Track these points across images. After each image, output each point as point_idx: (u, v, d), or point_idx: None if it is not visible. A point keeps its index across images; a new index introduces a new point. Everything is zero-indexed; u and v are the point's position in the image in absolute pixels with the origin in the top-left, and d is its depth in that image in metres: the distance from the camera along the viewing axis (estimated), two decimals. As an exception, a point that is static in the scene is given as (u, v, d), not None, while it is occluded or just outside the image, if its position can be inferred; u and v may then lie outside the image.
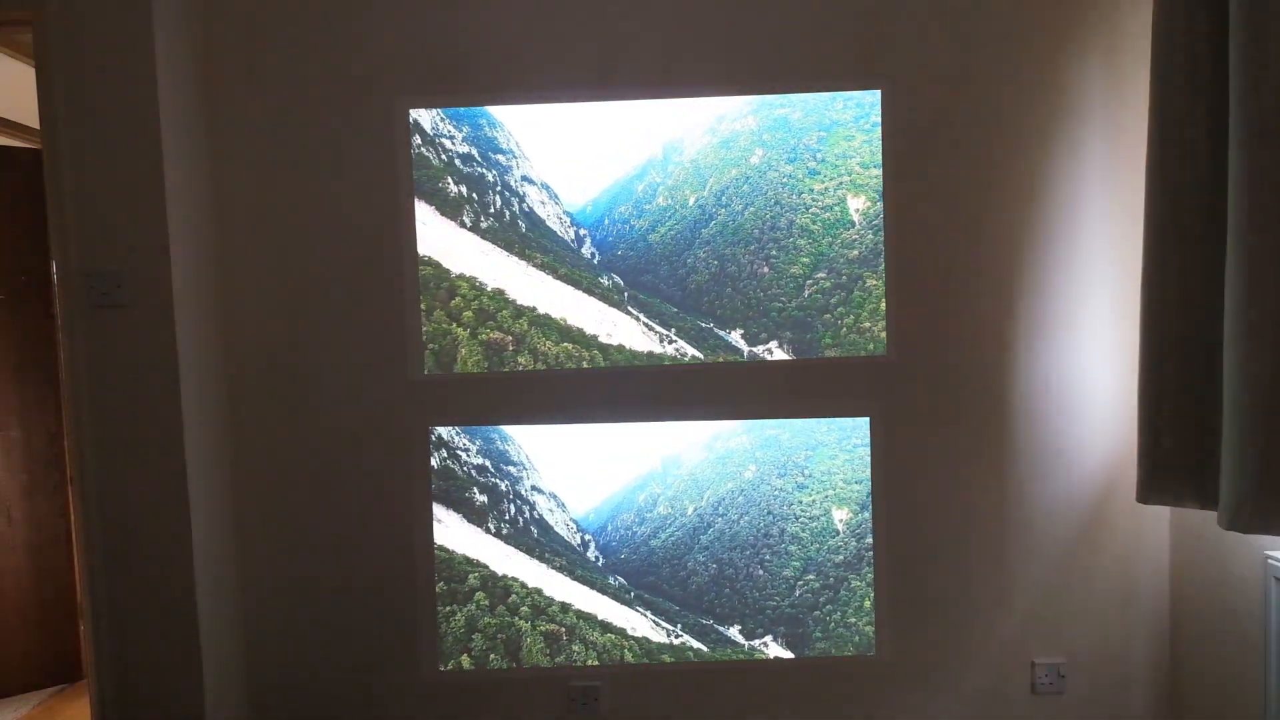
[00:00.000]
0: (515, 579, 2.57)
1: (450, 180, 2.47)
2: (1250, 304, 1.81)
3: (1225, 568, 2.24)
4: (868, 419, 2.50)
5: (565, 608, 2.57)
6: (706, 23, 2.43)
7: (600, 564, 2.58)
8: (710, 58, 2.44)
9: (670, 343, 2.52)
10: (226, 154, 2.45)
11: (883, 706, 2.54)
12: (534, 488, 2.57)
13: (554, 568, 2.57)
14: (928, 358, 2.47)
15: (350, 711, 2.54)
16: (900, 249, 2.45)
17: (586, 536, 2.59)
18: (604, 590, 2.58)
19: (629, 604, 2.58)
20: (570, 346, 2.51)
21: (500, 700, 2.54)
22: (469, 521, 2.55)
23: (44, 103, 2.20)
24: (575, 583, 2.57)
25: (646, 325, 2.52)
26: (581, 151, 2.49)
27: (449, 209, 2.48)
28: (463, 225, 2.48)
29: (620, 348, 2.51)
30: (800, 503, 2.57)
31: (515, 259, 2.50)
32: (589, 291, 2.51)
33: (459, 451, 2.54)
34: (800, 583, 2.59)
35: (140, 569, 2.27)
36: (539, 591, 2.57)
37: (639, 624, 2.58)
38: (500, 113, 2.47)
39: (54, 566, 3.18)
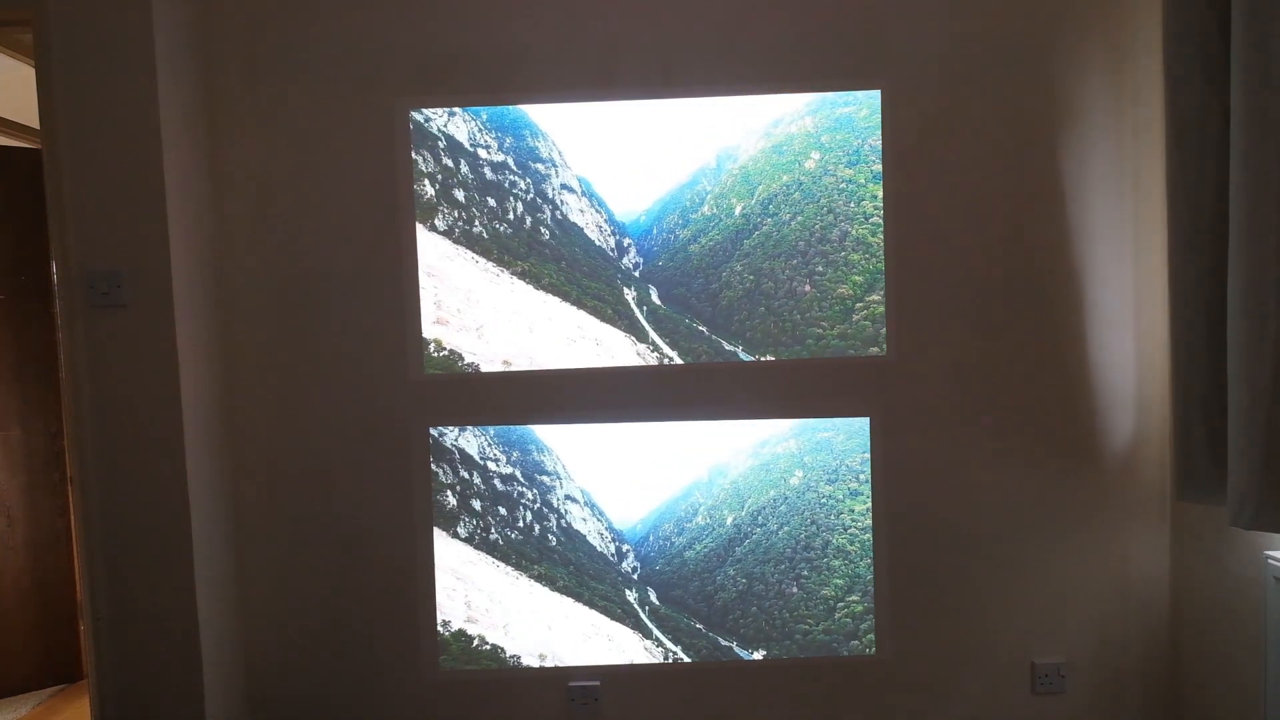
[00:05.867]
0: None
1: (426, 183, 2.41)
2: (1248, 307, 1.82)
3: (1225, 568, 2.24)
4: (868, 419, 2.49)
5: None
6: (706, 23, 2.42)
7: (636, 575, 2.49)
8: (710, 58, 2.43)
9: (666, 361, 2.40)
10: (226, 154, 2.45)
11: (883, 706, 2.54)
12: (568, 497, 2.48)
13: (532, 576, 2.49)
14: (928, 358, 2.47)
15: (350, 710, 2.54)
16: (900, 248, 2.45)
17: (625, 547, 2.49)
18: (592, 604, 2.50)
19: (620, 619, 2.51)
20: None
21: (500, 700, 2.54)
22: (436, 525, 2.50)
23: (44, 103, 2.20)
24: (560, 594, 2.49)
25: (653, 345, 2.41)
26: (635, 160, 2.41)
27: (422, 213, 2.43)
28: (433, 229, 2.41)
29: None
30: (852, 512, 2.39)
31: (489, 263, 2.42)
32: (579, 303, 2.41)
33: (489, 462, 2.47)
34: (841, 604, 2.39)
35: (140, 569, 2.27)
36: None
37: (629, 644, 2.49)
38: (547, 122, 2.41)
39: (54, 566, 3.18)
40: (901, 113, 2.43)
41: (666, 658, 2.53)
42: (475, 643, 2.50)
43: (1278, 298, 1.77)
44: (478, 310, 2.46)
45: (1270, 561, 2.00)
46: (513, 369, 2.48)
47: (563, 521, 2.51)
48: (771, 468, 2.45)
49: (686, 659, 2.53)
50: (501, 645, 2.52)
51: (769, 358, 2.44)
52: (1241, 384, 1.84)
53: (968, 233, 2.45)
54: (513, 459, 2.49)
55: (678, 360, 2.46)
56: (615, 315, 2.46)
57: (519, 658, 2.51)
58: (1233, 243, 1.85)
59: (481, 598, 2.51)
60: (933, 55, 2.42)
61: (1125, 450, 2.48)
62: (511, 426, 2.50)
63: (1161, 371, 2.43)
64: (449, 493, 2.49)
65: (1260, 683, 2.06)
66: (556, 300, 2.45)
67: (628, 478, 2.49)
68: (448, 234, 2.44)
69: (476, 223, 2.44)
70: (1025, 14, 2.41)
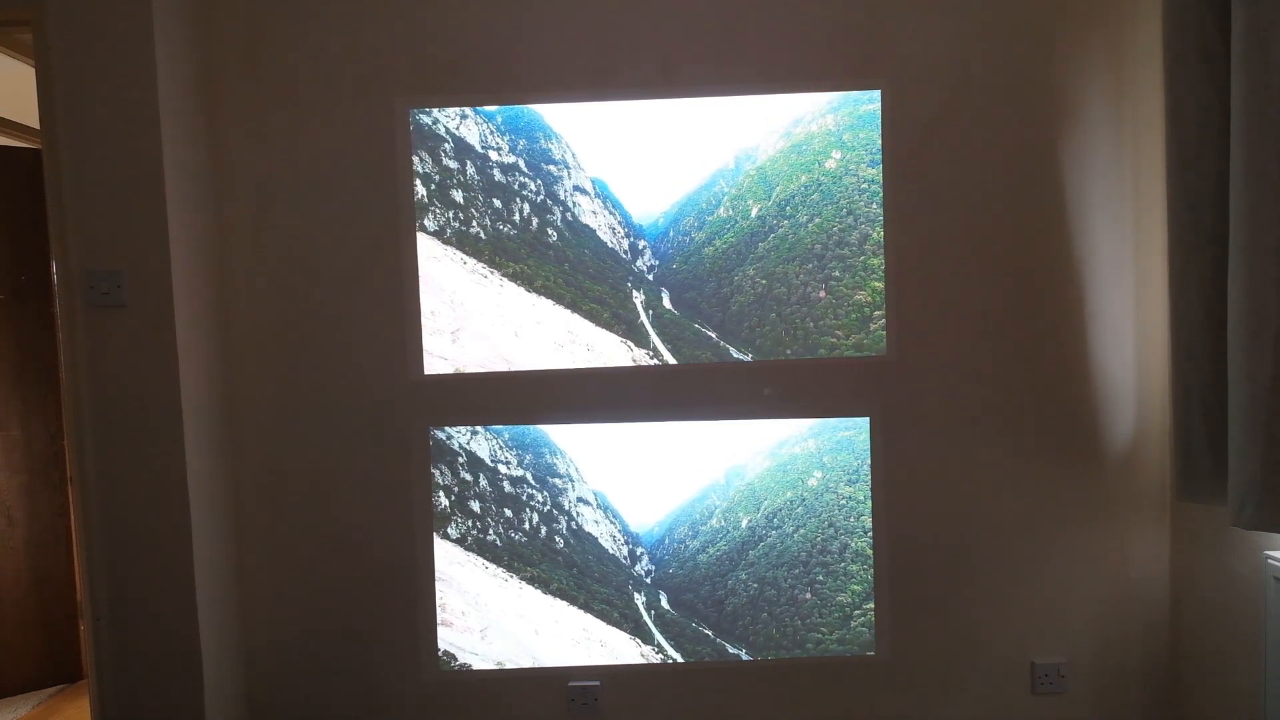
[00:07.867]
0: None
1: (419, 184, 2.39)
2: (1248, 307, 1.82)
3: (1225, 568, 2.24)
4: (867, 419, 2.49)
5: None
6: (706, 23, 2.42)
7: (649, 578, 2.46)
8: (710, 58, 2.43)
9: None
10: (226, 154, 2.45)
11: (883, 706, 2.54)
12: (580, 499, 2.45)
13: (524, 579, 2.45)
14: (928, 358, 2.47)
15: (349, 710, 2.54)
16: (900, 248, 2.45)
17: (639, 550, 2.45)
18: (588, 607, 2.48)
19: (618, 624, 2.48)
20: None
21: (500, 700, 2.54)
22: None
23: (44, 103, 2.20)
24: (553, 597, 2.47)
25: (653, 350, 2.36)
26: (654, 162, 2.37)
27: (416, 215, 2.41)
28: (422, 229, 2.38)
29: None
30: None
31: (480, 264, 2.38)
32: (574, 306, 2.38)
33: (500, 465, 2.44)
34: (859, 612, 2.31)
35: (140, 569, 2.27)
36: None
37: (624, 650, 2.46)
38: (561, 125, 2.39)
39: (54, 566, 3.18)
40: (901, 113, 2.43)
41: (665, 663, 2.53)
42: None
43: (1278, 297, 1.78)
44: (458, 313, 2.43)
45: (1270, 561, 2.00)
46: (514, 369, 2.47)
47: (573, 524, 2.49)
48: (789, 468, 2.40)
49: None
50: (455, 652, 2.48)
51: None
52: (1242, 384, 1.84)
53: (968, 232, 2.45)
54: (525, 461, 2.47)
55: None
56: (614, 319, 2.44)
57: (469, 666, 2.49)
58: (1233, 243, 1.85)
59: (461, 601, 2.50)
60: (933, 55, 2.42)
61: (1125, 450, 2.48)
62: (525, 429, 2.49)
63: (1161, 371, 2.43)
64: (442, 494, 2.48)
65: (1260, 683, 2.06)
66: (549, 303, 2.42)
67: (645, 480, 2.47)
68: (438, 234, 2.42)
69: (474, 223, 2.42)
70: (1025, 14, 2.41)
